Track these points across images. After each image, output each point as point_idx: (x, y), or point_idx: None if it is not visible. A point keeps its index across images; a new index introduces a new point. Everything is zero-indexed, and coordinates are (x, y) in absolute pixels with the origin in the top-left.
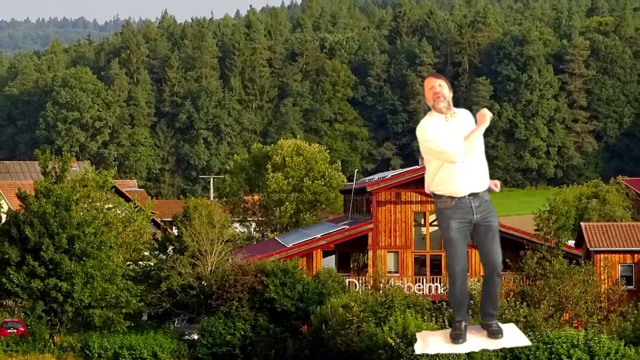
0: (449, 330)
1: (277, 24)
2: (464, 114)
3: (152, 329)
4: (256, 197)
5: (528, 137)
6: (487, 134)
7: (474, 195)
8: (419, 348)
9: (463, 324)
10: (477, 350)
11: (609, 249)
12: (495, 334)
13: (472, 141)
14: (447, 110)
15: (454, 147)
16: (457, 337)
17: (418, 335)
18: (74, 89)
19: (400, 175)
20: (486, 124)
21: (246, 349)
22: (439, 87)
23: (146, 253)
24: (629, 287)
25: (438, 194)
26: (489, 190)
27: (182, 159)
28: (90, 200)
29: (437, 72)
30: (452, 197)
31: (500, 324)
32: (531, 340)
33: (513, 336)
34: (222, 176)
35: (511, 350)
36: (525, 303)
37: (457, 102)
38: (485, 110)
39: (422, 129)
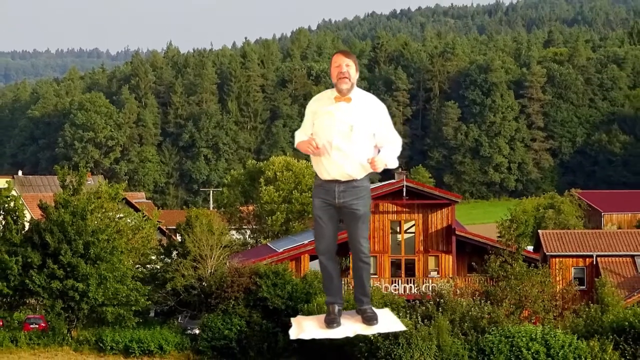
0: (323, 315)
1: (269, 54)
2: (362, 100)
3: (159, 324)
4: (251, 208)
5: (492, 155)
6: (455, 151)
7: (337, 181)
8: (293, 333)
9: (336, 308)
10: (352, 335)
11: (563, 253)
12: (370, 319)
13: (303, 147)
14: (348, 91)
15: (296, 136)
16: (331, 321)
17: (293, 320)
18: (89, 112)
19: (378, 188)
20: (318, 153)
21: (242, 343)
22: (346, 67)
23: (153, 257)
24: (581, 287)
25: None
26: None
27: (185, 173)
28: (103, 210)
29: (412, 96)
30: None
31: (375, 309)
32: (494, 334)
33: (388, 321)
34: (221, 189)
35: (477, 343)
36: (489, 301)
37: (429, 124)
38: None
39: (309, 102)
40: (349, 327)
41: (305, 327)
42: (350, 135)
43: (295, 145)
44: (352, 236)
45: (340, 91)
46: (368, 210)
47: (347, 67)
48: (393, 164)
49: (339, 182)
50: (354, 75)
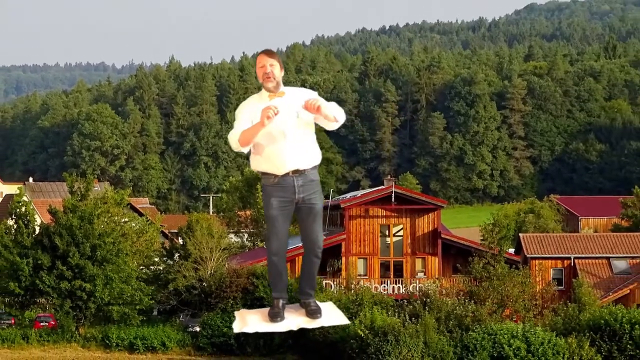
0: (267, 309)
1: None
2: (294, 90)
3: (161, 322)
4: (248, 212)
5: (475, 162)
6: (441, 159)
7: (298, 173)
8: (237, 327)
9: (281, 302)
10: (295, 329)
11: (542, 255)
12: (313, 313)
13: (249, 134)
14: (275, 89)
15: (231, 135)
16: (275, 315)
17: (237, 313)
18: (96, 122)
19: (369, 194)
20: (267, 123)
21: (240, 339)
22: (270, 67)
23: (156, 259)
24: (559, 287)
25: (261, 170)
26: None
27: (186, 180)
28: (109, 215)
29: (400, 107)
30: (274, 175)
31: (318, 303)
32: (478, 332)
33: (332, 315)
34: (220, 195)
35: (461, 340)
36: (473, 301)
37: (416, 133)
38: (273, 107)
39: (241, 105)
40: (293, 320)
41: (249, 321)
42: (298, 122)
43: (237, 142)
44: (308, 231)
45: (268, 90)
46: (322, 205)
47: (272, 67)
48: (340, 116)
49: (297, 176)
50: (278, 74)
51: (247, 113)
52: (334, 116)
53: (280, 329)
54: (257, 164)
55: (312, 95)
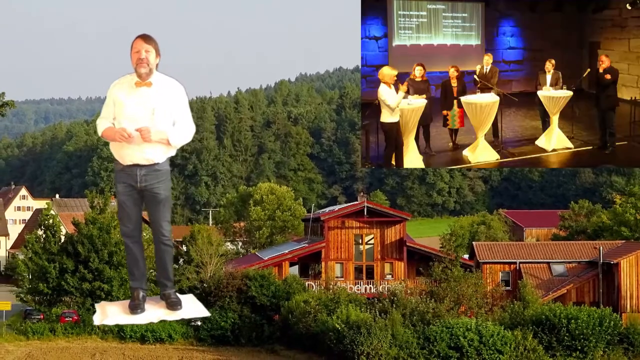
0: (128, 301)
1: (257, 100)
2: (163, 84)
3: None
4: (242, 224)
5: (435, 181)
6: (406, 179)
7: (139, 165)
8: (97, 319)
9: (140, 293)
10: (156, 321)
11: (492, 260)
12: (174, 305)
13: (107, 137)
14: (147, 76)
15: (98, 125)
16: (135, 307)
17: (97, 306)
18: None
19: (344, 208)
20: (130, 141)
21: (235, 332)
22: (146, 53)
23: None
24: (507, 288)
25: (113, 155)
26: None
27: (190, 196)
28: None
29: None
30: (120, 163)
31: (179, 295)
32: (437, 326)
33: (192, 307)
34: (218, 209)
35: (423, 332)
36: (433, 299)
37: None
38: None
39: (111, 86)
40: (153, 312)
41: (109, 313)
42: (152, 118)
43: (100, 134)
44: (153, 219)
45: (140, 76)
46: (169, 194)
47: (147, 53)
48: (175, 140)
49: (141, 166)
50: (153, 60)
51: (111, 101)
52: (167, 140)
53: (141, 321)
54: (112, 149)
55: (179, 92)
